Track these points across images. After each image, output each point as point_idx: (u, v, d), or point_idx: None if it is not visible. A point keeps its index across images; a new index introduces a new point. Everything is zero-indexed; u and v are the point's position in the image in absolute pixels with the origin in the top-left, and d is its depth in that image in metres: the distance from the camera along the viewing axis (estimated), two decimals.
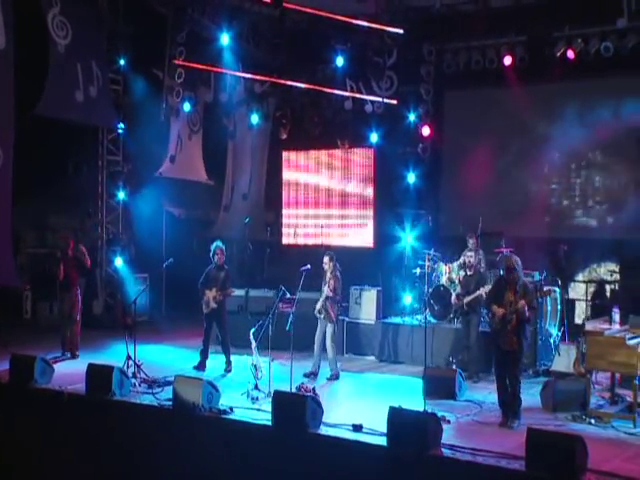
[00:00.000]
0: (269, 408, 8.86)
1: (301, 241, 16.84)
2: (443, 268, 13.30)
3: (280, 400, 8.78)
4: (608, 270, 14.44)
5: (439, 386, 9.91)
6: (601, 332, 9.47)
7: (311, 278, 11.48)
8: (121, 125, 15.89)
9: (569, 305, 13.42)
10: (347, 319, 13.39)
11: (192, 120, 17.17)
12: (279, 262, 16.34)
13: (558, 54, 14.00)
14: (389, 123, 15.95)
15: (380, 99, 15.55)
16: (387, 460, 7.92)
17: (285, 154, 17.38)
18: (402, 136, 16.01)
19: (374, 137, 16.07)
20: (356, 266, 13.83)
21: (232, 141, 18.30)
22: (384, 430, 8.10)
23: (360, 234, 16.37)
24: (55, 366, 11.11)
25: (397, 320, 13.42)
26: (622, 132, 13.91)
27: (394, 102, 15.58)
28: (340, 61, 15.46)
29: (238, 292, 13.17)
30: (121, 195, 16.22)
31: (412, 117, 15.78)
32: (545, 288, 11.36)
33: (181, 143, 17.00)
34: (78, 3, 14.67)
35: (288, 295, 11.07)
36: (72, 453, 9.78)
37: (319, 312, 11.45)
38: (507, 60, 14.51)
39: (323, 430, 8.54)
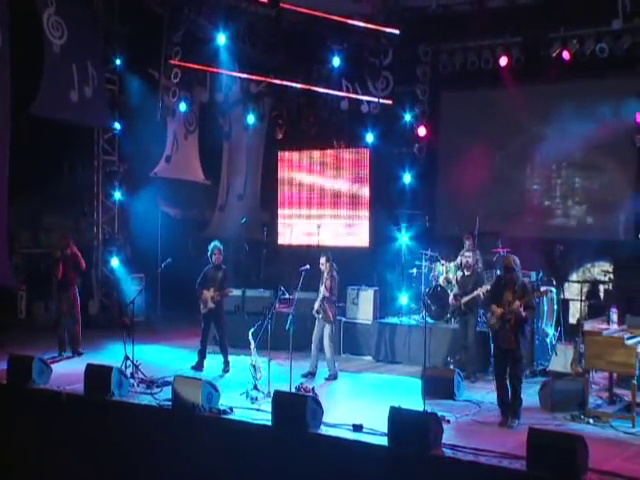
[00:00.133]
0: (269, 408, 8.86)
1: (297, 241, 16.86)
2: (440, 268, 13.33)
3: (280, 400, 8.76)
4: (602, 270, 14.51)
5: (438, 386, 9.92)
6: (599, 332, 9.49)
7: (308, 278, 11.47)
8: (117, 125, 15.85)
9: (564, 305, 13.47)
10: (344, 319, 13.39)
11: (188, 120, 17.17)
12: (275, 262, 16.35)
13: (554, 55, 14.07)
14: (385, 123, 15.99)
15: (376, 99, 15.58)
16: (388, 460, 7.91)
17: (281, 154, 17.41)
18: (398, 136, 16.09)
19: (370, 137, 16.12)
20: (352, 266, 13.79)
21: (228, 141, 18.31)
22: (384, 430, 8.11)
23: (356, 234, 16.41)
24: (53, 366, 11.06)
25: (394, 320, 13.42)
26: (617, 133, 13.93)
27: (390, 102, 15.61)
28: (336, 61, 15.47)
29: (235, 292, 13.16)
30: (117, 195, 16.14)
31: (408, 117, 15.86)
32: (542, 288, 11.44)
33: (177, 143, 17.00)
34: (73, 3, 14.58)
35: (287, 295, 11.07)
36: (71, 453, 9.74)
37: (317, 312, 11.45)
38: (503, 61, 14.59)
39: (323, 430, 8.53)
